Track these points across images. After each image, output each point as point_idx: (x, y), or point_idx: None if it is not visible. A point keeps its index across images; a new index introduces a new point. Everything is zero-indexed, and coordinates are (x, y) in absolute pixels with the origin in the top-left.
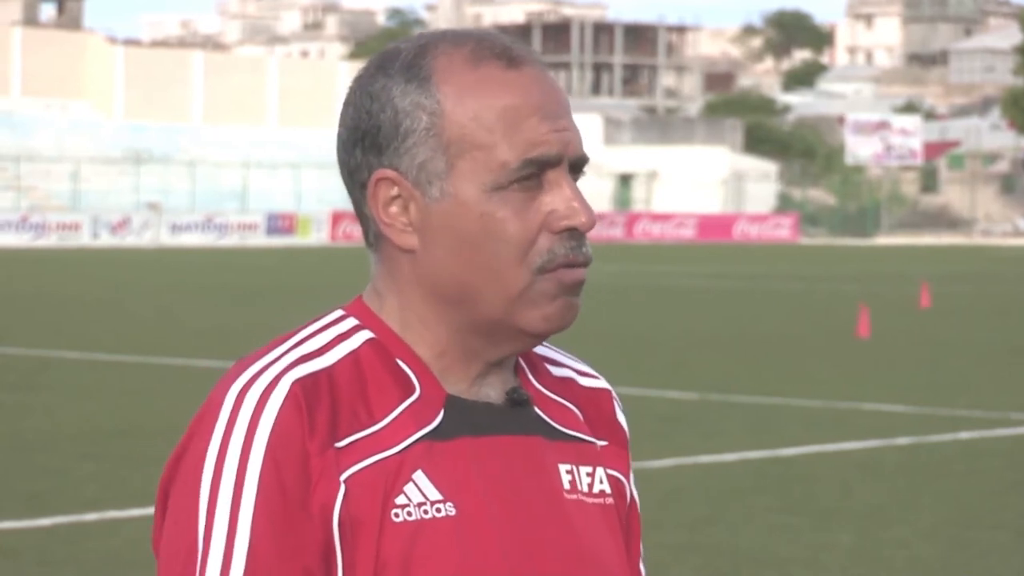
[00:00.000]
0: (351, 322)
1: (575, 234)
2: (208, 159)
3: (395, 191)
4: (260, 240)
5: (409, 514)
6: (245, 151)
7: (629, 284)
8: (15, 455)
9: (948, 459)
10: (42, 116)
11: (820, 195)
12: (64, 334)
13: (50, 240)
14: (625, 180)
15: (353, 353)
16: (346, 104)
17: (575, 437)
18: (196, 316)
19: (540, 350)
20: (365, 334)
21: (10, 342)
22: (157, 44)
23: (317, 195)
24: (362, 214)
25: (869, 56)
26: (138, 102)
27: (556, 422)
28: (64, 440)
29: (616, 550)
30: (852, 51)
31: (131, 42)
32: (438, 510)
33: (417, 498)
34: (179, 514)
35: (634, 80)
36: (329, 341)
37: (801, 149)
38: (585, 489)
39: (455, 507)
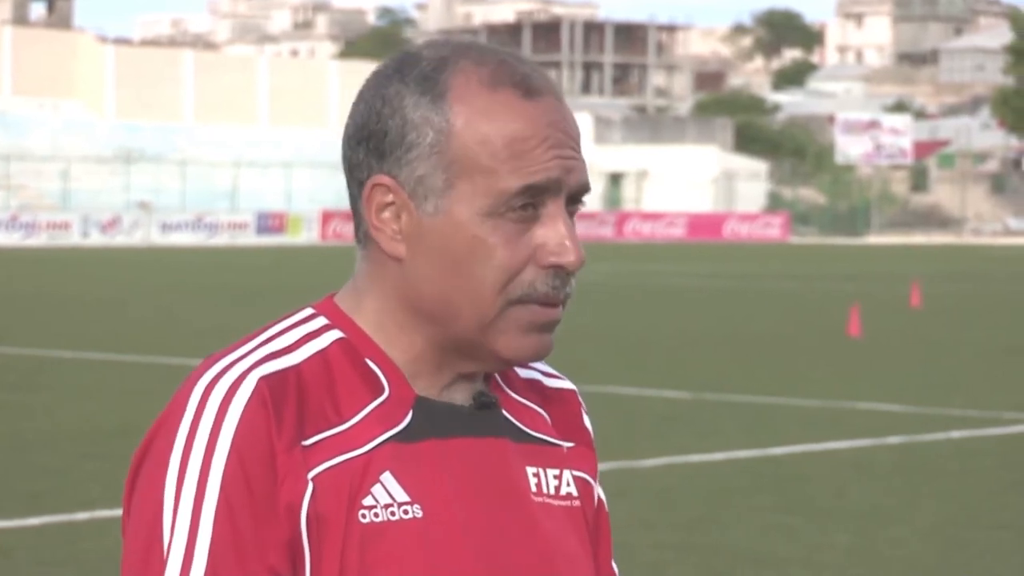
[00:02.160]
0: (320, 321)
1: (560, 273)
2: (198, 158)
3: (390, 198)
4: (250, 239)
5: (376, 515)
6: (235, 150)
7: (620, 283)
8: (14, 455)
9: (942, 458)
10: (33, 115)
11: (810, 194)
12: (62, 334)
13: (40, 239)
14: (615, 179)
15: (322, 352)
16: (358, 99)
17: (541, 440)
18: (194, 316)
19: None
20: (334, 334)
21: (6, 342)
22: (147, 43)
23: (307, 194)
24: (356, 210)
25: (859, 55)
26: (129, 101)
27: (523, 424)
28: (63, 440)
29: (582, 553)
30: (842, 50)
31: (121, 41)
32: (405, 512)
33: (384, 499)
34: (142, 510)
35: (624, 79)
36: (298, 339)
37: (791, 148)
38: (551, 492)
39: (422, 509)
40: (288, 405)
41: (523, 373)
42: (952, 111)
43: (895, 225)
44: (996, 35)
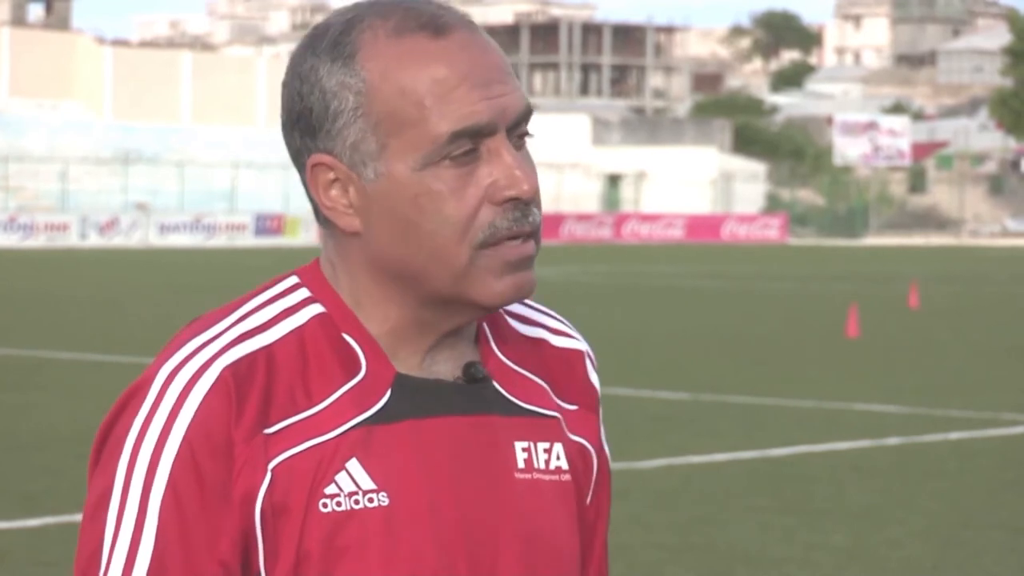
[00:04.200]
0: (302, 293)
1: (519, 204)
2: (197, 159)
3: (332, 175)
4: (248, 240)
5: (338, 504)
6: (234, 151)
7: (618, 284)
8: (10, 455)
9: (940, 459)
10: (31, 116)
11: (809, 195)
12: (59, 334)
13: (38, 240)
14: (613, 180)
15: (298, 330)
16: (282, 86)
17: (534, 412)
18: (192, 317)
19: (513, 306)
20: (314, 308)
21: (4, 342)
22: (146, 44)
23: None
24: (310, 196)
25: (857, 57)
26: (127, 102)
27: (516, 397)
28: (59, 440)
29: (570, 529)
30: (840, 52)
31: (119, 42)
32: (370, 500)
33: (348, 487)
34: (94, 498)
35: (622, 80)
36: (275, 315)
37: (790, 150)
38: (542, 466)
39: (388, 496)
40: (253, 393)
41: (527, 331)
42: (950, 112)
43: (893, 226)
44: (994, 36)
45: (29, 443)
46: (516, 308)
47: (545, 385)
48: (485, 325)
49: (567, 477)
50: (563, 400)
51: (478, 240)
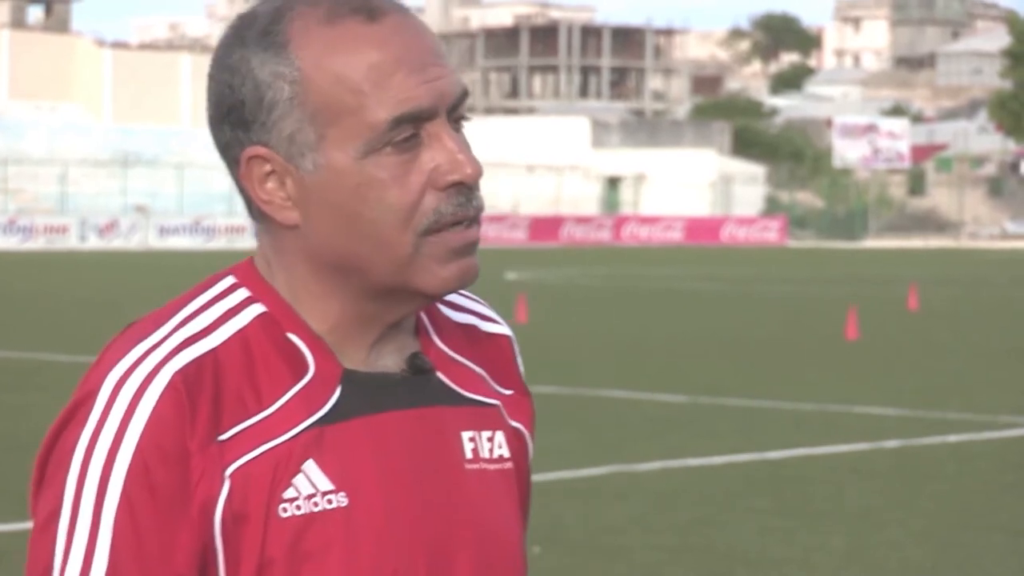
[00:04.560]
0: (242, 294)
1: (462, 188)
2: (196, 162)
3: (268, 167)
4: (248, 243)
5: (298, 508)
6: None
7: (617, 287)
8: (10, 456)
9: (939, 461)
10: (31, 118)
11: (808, 198)
12: (59, 336)
13: (38, 243)
14: (613, 183)
15: (242, 331)
16: (208, 78)
17: (477, 401)
18: None
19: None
20: (256, 308)
21: (4, 344)
22: (145, 47)
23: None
24: (242, 190)
25: (857, 59)
26: (126, 105)
27: (459, 386)
28: None
29: (514, 517)
30: (840, 54)
31: (119, 45)
32: (329, 501)
33: (307, 490)
34: (43, 513)
35: (622, 83)
36: (217, 318)
37: (789, 152)
38: (487, 455)
39: (347, 496)
40: (204, 398)
41: (458, 317)
42: (950, 115)
43: (893, 229)
44: (993, 38)
45: (29, 444)
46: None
47: (483, 372)
48: (423, 315)
49: (509, 465)
50: (500, 386)
51: (422, 227)
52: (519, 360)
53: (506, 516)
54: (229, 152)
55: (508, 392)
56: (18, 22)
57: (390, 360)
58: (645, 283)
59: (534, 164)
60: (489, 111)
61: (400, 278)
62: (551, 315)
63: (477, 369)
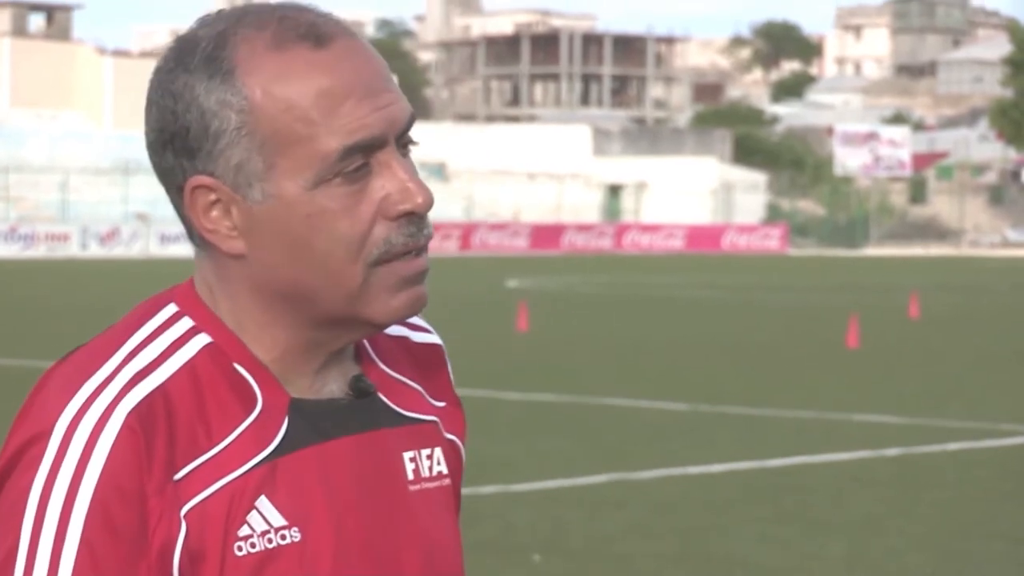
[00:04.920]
0: (186, 323)
1: (413, 218)
2: None
3: (213, 196)
4: None
5: (253, 545)
6: None
7: (618, 295)
8: None
9: (939, 469)
10: (32, 126)
11: (809, 206)
12: (60, 345)
13: (39, 251)
14: (614, 191)
15: (189, 363)
16: (148, 103)
17: (417, 420)
18: None
19: None
20: (201, 339)
21: (5, 353)
22: (146, 54)
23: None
24: (182, 216)
25: (858, 67)
26: (127, 112)
27: (399, 406)
28: None
29: (453, 529)
30: (841, 62)
31: (120, 52)
32: (283, 537)
33: (261, 527)
34: None
35: (623, 91)
36: (164, 350)
37: (790, 160)
38: (427, 474)
39: (300, 531)
40: (159, 437)
41: (392, 330)
42: (950, 123)
43: (893, 237)
44: (994, 47)
45: None
46: None
47: (419, 388)
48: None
49: (447, 481)
50: (434, 399)
51: (372, 257)
52: (449, 368)
53: (447, 531)
54: (171, 178)
55: (441, 404)
56: (19, 30)
57: (334, 385)
58: (646, 291)
59: (535, 172)
60: (490, 119)
61: (350, 308)
62: (552, 323)
63: (414, 385)
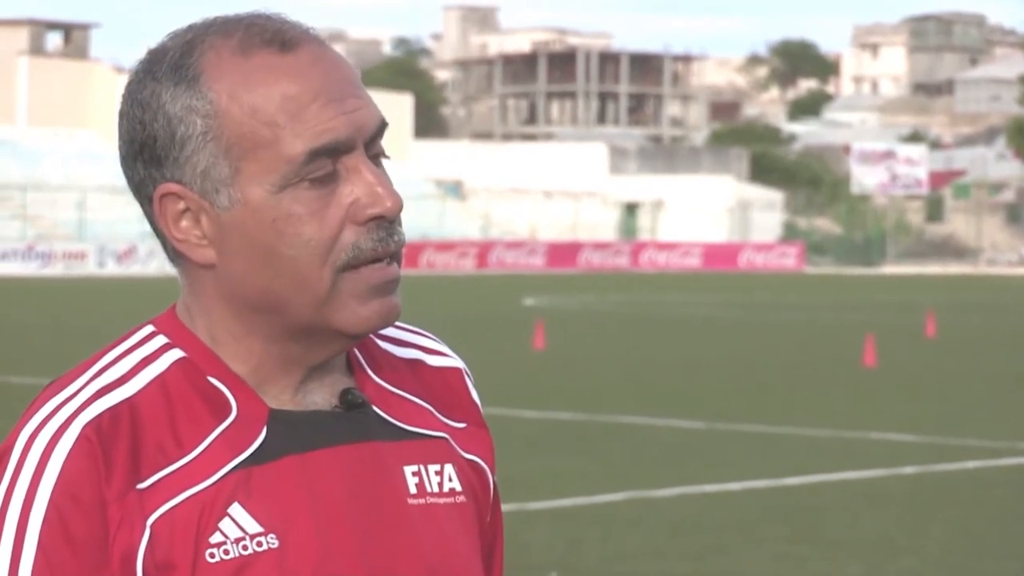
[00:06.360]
0: (160, 340)
1: (382, 223)
2: None
3: (182, 205)
4: None
5: (226, 552)
6: None
7: (635, 313)
8: None
9: (955, 488)
10: (48, 145)
11: (826, 224)
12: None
13: (56, 269)
14: (631, 209)
15: (160, 377)
16: (120, 116)
17: (420, 434)
18: None
19: (385, 330)
20: (174, 354)
21: (23, 372)
22: None
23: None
24: (156, 230)
25: (875, 85)
26: None
27: (399, 420)
28: None
29: (470, 550)
30: (858, 80)
31: None
32: (259, 544)
33: (234, 534)
34: None
35: (640, 109)
36: (133, 366)
37: (807, 178)
38: (435, 490)
39: (278, 538)
40: (119, 447)
41: (403, 353)
42: (967, 141)
43: (910, 255)
44: (1012, 65)
45: None
46: (388, 331)
47: (428, 406)
48: (357, 352)
49: (463, 499)
50: (449, 419)
51: (341, 262)
52: (473, 392)
53: (460, 551)
54: (143, 191)
55: (460, 425)
56: (37, 49)
57: (319, 398)
58: (663, 309)
59: (552, 190)
60: (507, 137)
61: (319, 316)
62: (569, 341)
63: (421, 402)
